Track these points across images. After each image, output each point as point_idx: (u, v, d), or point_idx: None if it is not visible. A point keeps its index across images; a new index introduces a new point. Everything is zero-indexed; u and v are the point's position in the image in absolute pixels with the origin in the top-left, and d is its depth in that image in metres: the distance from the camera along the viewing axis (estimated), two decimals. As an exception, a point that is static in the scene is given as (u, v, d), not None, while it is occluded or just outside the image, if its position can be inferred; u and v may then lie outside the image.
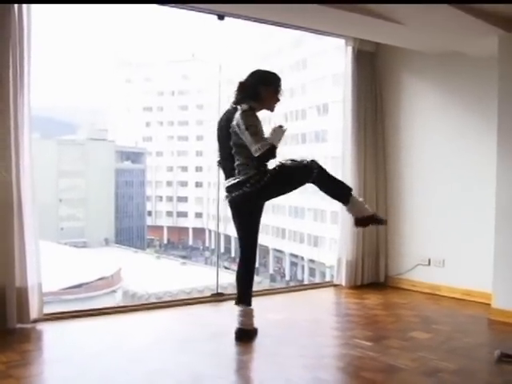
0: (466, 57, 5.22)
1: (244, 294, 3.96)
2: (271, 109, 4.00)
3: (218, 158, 4.19)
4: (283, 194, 3.97)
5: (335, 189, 3.94)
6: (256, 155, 3.74)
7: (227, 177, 4.02)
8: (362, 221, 3.95)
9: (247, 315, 3.92)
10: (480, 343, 4.08)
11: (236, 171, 3.92)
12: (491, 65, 4.79)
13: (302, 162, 3.88)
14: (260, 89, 3.91)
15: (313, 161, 3.87)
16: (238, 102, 3.95)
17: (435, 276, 5.55)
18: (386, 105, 5.97)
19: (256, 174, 3.80)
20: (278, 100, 4.01)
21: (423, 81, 5.76)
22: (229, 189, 3.95)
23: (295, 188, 3.90)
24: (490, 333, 4.50)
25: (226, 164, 4.05)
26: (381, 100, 5.95)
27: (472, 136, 5.33)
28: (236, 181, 3.88)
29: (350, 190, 3.94)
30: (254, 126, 3.79)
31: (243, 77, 4.01)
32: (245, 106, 3.87)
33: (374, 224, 4.02)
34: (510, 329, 4.36)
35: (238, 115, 3.87)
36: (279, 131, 3.84)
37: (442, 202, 5.54)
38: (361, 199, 3.97)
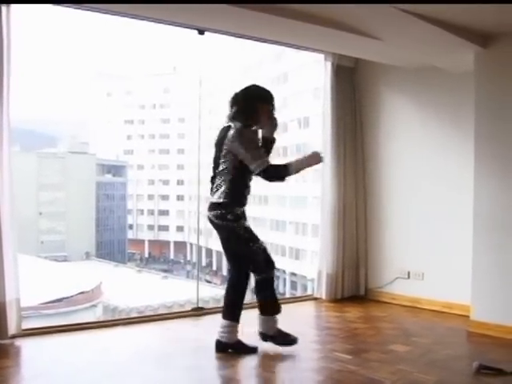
0: (444, 71, 5.29)
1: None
2: (263, 128, 3.88)
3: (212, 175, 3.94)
4: (228, 250, 3.92)
5: (266, 301, 3.94)
6: (256, 172, 3.69)
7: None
8: (268, 337, 3.94)
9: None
10: (459, 355, 4.11)
11: (217, 191, 3.81)
12: (468, 79, 4.86)
13: (268, 256, 3.88)
14: (257, 106, 3.81)
15: (273, 268, 3.90)
16: (232, 117, 3.79)
17: (415, 289, 5.59)
18: (365, 118, 6.02)
19: (233, 211, 3.76)
20: (272, 119, 3.89)
21: (402, 95, 5.83)
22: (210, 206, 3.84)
23: (237, 261, 3.89)
24: (468, 345, 4.54)
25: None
26: (360, 114, 6.01)
27: (450, 148, 5.40)
28: (216, 202, 3.79)
29: (278, 311, 3.94)
30: (254, 142, 3.74)
31: (237, 90, 3.89)
32: (238, 124, 3.74)
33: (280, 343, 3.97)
34: (488, 341, 4.40)
35: (233, 133, 3.71)
36: (317, 157, 3.84)
37: (420, 215, 5.59)
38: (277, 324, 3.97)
